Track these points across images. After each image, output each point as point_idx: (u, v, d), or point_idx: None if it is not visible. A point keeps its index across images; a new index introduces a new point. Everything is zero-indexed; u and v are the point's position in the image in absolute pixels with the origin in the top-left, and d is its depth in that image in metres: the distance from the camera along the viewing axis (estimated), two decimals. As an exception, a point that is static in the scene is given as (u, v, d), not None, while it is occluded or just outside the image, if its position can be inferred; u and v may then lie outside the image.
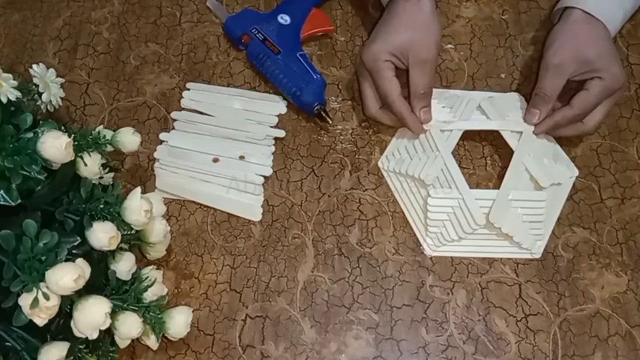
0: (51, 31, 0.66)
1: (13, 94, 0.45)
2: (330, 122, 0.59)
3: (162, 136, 0.60)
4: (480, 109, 0.58)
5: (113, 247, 0.43)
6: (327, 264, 0.54)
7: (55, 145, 0.41)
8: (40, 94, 0.49)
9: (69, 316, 0.42)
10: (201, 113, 0.61)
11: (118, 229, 0.44)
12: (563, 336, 0.51)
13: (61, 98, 0.51)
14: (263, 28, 0.62)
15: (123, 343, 0.47)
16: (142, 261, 0.53)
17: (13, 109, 0.45)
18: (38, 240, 0.39)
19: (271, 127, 0.60)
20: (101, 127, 0.50)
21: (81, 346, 0.44)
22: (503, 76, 0.62)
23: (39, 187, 0.43)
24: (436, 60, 0.54)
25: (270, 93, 0.62)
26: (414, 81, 0.54)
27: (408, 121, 0.55)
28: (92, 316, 0.41)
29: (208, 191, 0.57)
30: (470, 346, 0.51)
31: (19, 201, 0.41)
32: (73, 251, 0.42)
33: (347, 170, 0.58)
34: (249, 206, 0.56)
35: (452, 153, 0.55)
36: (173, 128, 0.60)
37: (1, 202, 0.40)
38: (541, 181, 0.53)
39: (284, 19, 0.63)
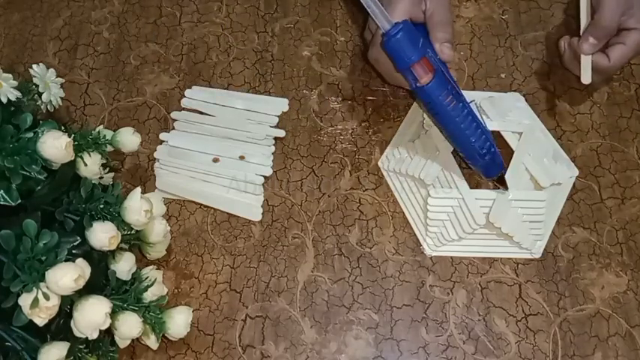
0: (51, 31, 0.66)
1: (13, 94, 0.45)
2: (506, 190, 0.51)
3: (162, 136, 0.60)
4: (480, 109, 0.58)
5: (113, 247, 0.43)
6: (327, 264, 0.54)
7: (55, 145, 0.41)
8: (40, 94, 0.49)
9: (69, 316, 0.42)
10: (201, 113, 0.61)
11: (118, 229, 0.44)
12: (563, 336, 0.51)
13: (61, 98, 0.51)
14: (434, 55, 0.47)
15: (123, 343, 0.47)
16: (142, 261, 0.53)
17: (13, 109, 0.45)
18: (38, 240, 0.39)
19: (271, 127, 0.60)
20: (101, 127, 0.50)
21: (81, 346, 0.44)
22: (503, 76, 0.62)
23: (39, 187, 0.43)
24: None
25: (270, 93, 0.62)
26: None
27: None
28: (92, 316, 0.41)
29: (208, 191, 0.57)
30: (470, 346, 0.51)
31: (19, 201, 0.41)
32: (73, 251, 0.42)
33: (347, 170, 0.58)
34: (249, 206, 0.56)
35: (452, 153, 0.55)
36: (173, 128, 0.60)
37: (1, 202, 0.40)
38: (541, 181, 0.53)
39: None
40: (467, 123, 0.48)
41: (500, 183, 0.53)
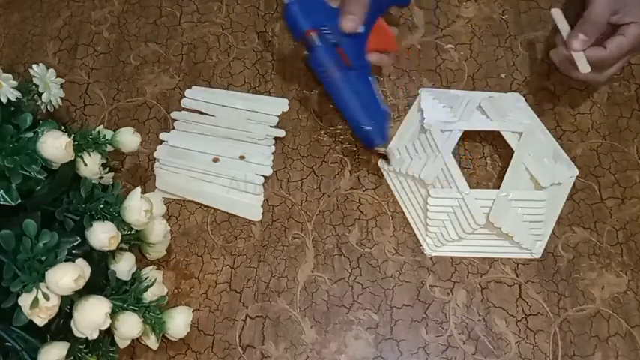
0: (51, 31, 0.66)
1: (13, 94, 0.45)
2: (390, 164, 0.55)
3: (162, 136, 0.60)
4: (480, 109, 0.58)
5: (113, 247, 0.43)
6: (327, 264, 0.54)
7: (55, 145, 0.41)
8: (40, 94, 0.49)
9: (69, 316, 0.42)
10: (201, 113, 0.61)
11: (118, 229, 0.44)
12: (563, 336, 0.51)
13: (61, 98, 0.52)
14: (335, 30, 0.50)
15: (123, 343, 0.47)
16: (142, 261, 0.53)
17: (13, 109, 0.45)
18: (38, 240, 0.39)
19: (271, 127, 0.60)
20: (101, 127, 0.50)
21: (81, 346, 0.44)
22: (503, 76, 0.62)
23: (39, 187, 0.43)
24: None
25: (270, 93, 0.62)
26: None
27: None
28: (92, 316, 0.41)
29: (208, 191, 0.57)
30: (470, 346, 0.51)
31: (19, 201, 0.41)
32: (73, 251, 0.42)
33: (347, 170, 0.58)
34: (249, 206, 0.56)
35: (452, 153, 0.55)
36: (173, 128, 0.60)
37: (1, 202, 0.40)
38: (541, 181, 0.53)
39: None
40: (350, 93, 0.52)
41: (385, 157, 0.56)
